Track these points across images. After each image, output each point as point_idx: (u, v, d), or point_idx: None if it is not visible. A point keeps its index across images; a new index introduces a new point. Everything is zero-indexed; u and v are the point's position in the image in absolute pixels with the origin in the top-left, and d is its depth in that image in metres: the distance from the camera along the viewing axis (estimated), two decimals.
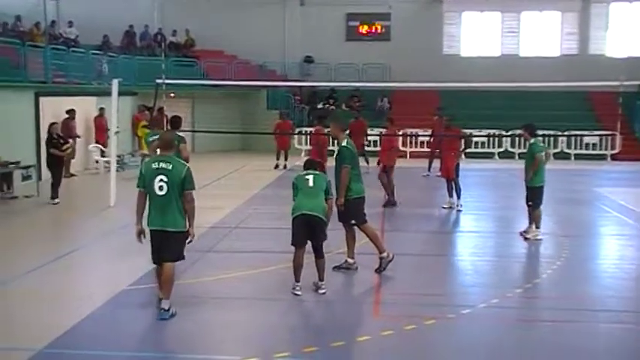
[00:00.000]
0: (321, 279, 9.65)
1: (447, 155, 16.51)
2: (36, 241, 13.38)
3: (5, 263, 11.26)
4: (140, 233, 8.58)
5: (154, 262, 8.62)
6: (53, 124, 17.55)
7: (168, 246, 8.42)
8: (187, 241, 8.60)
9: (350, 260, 10.76)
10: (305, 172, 9.91)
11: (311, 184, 9.61)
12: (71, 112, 21.88)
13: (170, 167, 8.38)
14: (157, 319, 8.42)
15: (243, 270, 10.75)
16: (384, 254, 10.61)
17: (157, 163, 8.46)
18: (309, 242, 9.60)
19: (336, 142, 10.97)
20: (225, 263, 11.31)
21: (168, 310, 8.47)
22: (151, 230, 8.51)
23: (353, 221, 10.60)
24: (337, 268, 10.57)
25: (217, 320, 8.72)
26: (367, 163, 22.55)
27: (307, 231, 9.49)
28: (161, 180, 8.33)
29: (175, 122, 13.11)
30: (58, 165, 17.07)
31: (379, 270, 10.56)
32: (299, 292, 9.49)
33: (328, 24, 33.79)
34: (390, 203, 16.60)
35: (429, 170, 21.92)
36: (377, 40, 33.96)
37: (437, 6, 34.01)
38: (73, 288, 10.15)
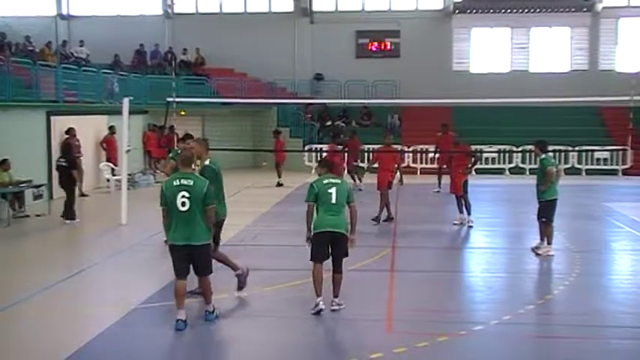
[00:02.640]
0: (336, 295, 9.62)
1: (456, 172, 16.51)
2: (48, 259, 13.42)
3: (18, 281, 11.30)
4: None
5: (178, 275, 8.79)
6: (68, 142, 17.50)
7: (199, 260, 8.81)
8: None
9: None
10: (325, 179, 9.70)
11: (334, 200, 9.51)
12: (71, 131, 21.65)
13: (192, 183, 8.68)
14: (204, 320, 8.96)
15: (254, 288, 10.72)
16: (239, 271, 10.44)
17: (177, 180, 8.74)
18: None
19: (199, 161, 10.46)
20: (236, 281, 11.28)
21: (213, 312, 9.09)
22: (175, 245, 8.73)
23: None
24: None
25: (228, 338, 8.74)
26: (359, 181, 22.72)
27: (329, 247, 9.53)
28: (183, 196, 8.61)
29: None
30: (74, 185, 17.20)
31: (240, 287, 10.42)
32: (322, 307, 9.44)
33: (338, 41, 33.93)
34: (389, 218, 16.66)
35: (439, 187, 21.87)
36: (387, 57, 34.07)
37: (446, 22, 34.11)
38: (85, 306, 10.16)
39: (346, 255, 9.64)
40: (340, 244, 9.51)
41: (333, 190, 9.54)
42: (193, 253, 8.74)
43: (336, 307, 9.58)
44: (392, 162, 16.90)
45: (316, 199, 9.57)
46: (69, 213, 16.87)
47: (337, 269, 9.59)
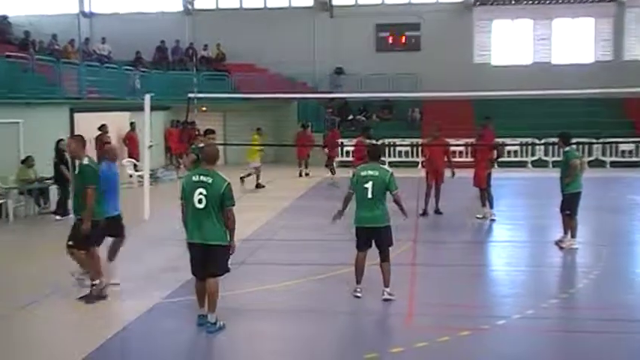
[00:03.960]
0: (386, 285, 9.70)
1: (480, 165, 16.43)
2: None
3: (42, 277, 11.41)
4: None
5: (195, 275, 8.62)
6: (61, 140, 17.21)
7: (212, 260, 8.44)
8: (229, 253, 8.65)
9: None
10: (364, 170, 9.73)
11: (369, 195, 9.54)
12: (103, 127, 22.09)
13: (210, 181, 8.37)
14: (205, 332, 8.45)
15: (275, 282, 10.75)
16: (97, 282, 9.90)
17: (197, 176, 8.47)
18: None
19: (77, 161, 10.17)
20: (258, 276, 11.32)
21: (215, 323, 8.52)
22: (190, 244, 8.53)
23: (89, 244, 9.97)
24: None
25: (249, 333, 8.73)
26: (333, 173, 22.83)
27: (370, 239, 9.68)
28: (200, 193, 8.33)
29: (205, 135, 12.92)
30: (67, 182, 16.72)
31: (88, 298, 9.79)
32: (359, 294, 9.61)
33: (358, 35, 33.81)
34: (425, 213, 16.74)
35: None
36: (407, 50, 33.87)
37: (467, 15, 33.88)
38: (108, 301, 10.22)
39: (390, 244, 9.77)
40: (382, 235, 9.66)
41: (369, 185, 9.56)
42: (208, 253, 8.42)
43: (387, 297, 9.66)
44: (442, 155, 17.01)
45: (357, 200, 9.70)
46: (60, 209, 16.88)
47: (383, 258, 9.74)
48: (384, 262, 9.73)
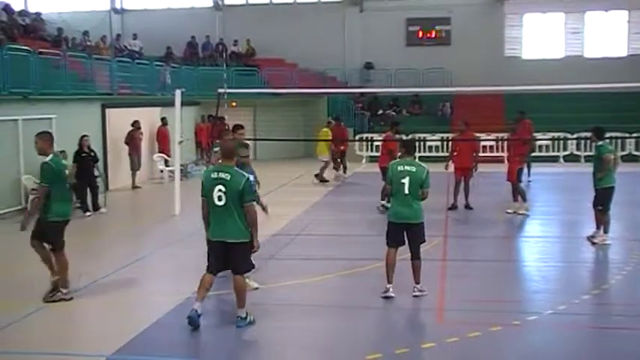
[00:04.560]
0: (417, 281, 9.67)
1: (513, 160, 16.35)
2: (103, 250, 13.69)
3: (74, 272, 11.54)
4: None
5: (208, 270, 8.49)
6: (84, 136, 17.30)
7: (235, 258, 8.35)
8: (252, 251, 8.56)
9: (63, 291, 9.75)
10: (401, 165, 9.67)
11: (406, 191, 9.51)
12: (136, 123, 22.32)
13: (229, 177, 8.26)
14: (236, 327, 8.42)
15: (305, 277, 10.78)
16: (65, 290, 9.74)
17: (216, 173, 8.36)
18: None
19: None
20: (288, 271, 11.36)
21: (245, 318, 8.48)
22: (212, 241, 8.46)
23: (51, 246, 9.85)
24: None
25: (280, 327, 8.74)
26: (345, 170, 22.80)
27: (403, 235, 9.62)
28: (219, 190, 8.23)
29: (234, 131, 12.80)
30: (82, 179, 16.76)
31: (47, 297, 9.61)
32: (392, 294, 9.53)
33: (388, 30, 33.70)
34: (453, 206, 16.77)
35: (528, 175, 20.61)
36: (437, 44, 33.72)
37: (498, 8, 33.60)
38: (139, 295, 10.33)
39: (423, 241, 9.74)
40: (415, 232, 9.62)
41: (406, 181, 9.52)
42: (228, 250, 8.32)
43: (418, 294, 9.63)
44: (470, 150, 16.91)
45: (394, 193, 9.65)
46: (85, 205, 17.11)
47: (415, 256, 9.68)
48: (415, 259, 9.67)
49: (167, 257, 12.82)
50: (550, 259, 12.49)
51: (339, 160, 22.90)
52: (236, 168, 8.52)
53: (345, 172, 23.03)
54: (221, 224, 8.30)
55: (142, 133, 22.67)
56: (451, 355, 7.76)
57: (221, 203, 8.25)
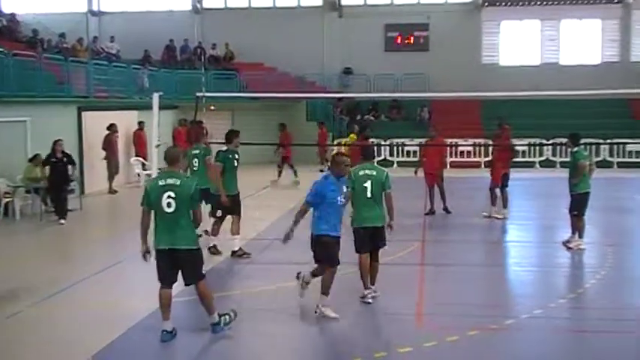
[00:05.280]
0: (372, 283, 9.74)
1: (496, 165, 16.49)
2: (78, 255, 13.62)
3: (48, 277, 11.44)
4: (145, 253, 8.22)
5: (162, 283, 8.22)
6: (58, 141, 16.95)
7: (185, 266, 8.13)
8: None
9: None
10: (362, 169, 9.74)
11: (369, 194, 9.58)
12: (112, 127, 22.16)
13: (178, 183, 8.06)
14: (212, 333, 8.30)
15: (283, 282, 10.75)
16: None
17: (163, 180, 8.13)
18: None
19: None
20: (266, 275, 11.36)
21: (219, 322, 8.33)
22: (159, 250, 8.15)
23: None
24: None
25: (258, 332, 8.71)
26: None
27: (371, 239, 9.66)
28: (169, 197, 8.00)
29: (229, 137, 12.65)
30: (52, 186, 16.67)
31: None
32: (370, 301, 9.58)
33: (367, 35, 33.81)
34: (431, 211, 16.73)
35: None
36: (416, 50, 33.88)
37: (476, 15, 33.86)
38: (116, 300, 10.25)
39: (385, 244, 9.80)
40: (380, 235, 9.69)
41: (368, 184, 9.60)
42: (179, 259, 8.07)
43: (375, 295, 9.67)
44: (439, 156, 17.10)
45: (356, 198, 9.68)
46: (59, 212, 16.67)
47: (375, 258, 9.75)
48: (375, 261, 9.76)
49: (142, 263, 12.68)
50: (527, 263, 12.59)
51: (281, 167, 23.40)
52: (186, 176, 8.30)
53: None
54: (169, 231, 8.06)
55: (117, 136, 22.50)
56: (429, 359, 7.79)
57: (170, 210, 8.01)
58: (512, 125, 17.68)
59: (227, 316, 8.46)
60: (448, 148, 26.37)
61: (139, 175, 23.55)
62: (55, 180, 16.58)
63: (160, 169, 17.69)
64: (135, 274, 12.01)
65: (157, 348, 8.16)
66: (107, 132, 22.00)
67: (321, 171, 24.72)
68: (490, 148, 21.34)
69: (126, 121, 23.82)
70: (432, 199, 16.83)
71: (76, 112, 21.08)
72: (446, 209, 16.81)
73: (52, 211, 17.08)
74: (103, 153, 21.82)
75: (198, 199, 8.34)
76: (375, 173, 9.69)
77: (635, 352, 8.11)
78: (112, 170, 21.97)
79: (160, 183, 8.13)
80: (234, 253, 12.34)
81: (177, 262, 8.10)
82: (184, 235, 8.06)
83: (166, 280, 8.19)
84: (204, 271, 8.42)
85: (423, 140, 23.30)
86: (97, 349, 7.90)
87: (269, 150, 29.84)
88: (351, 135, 22.89)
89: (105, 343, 8.10)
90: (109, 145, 21.92)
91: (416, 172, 17.23)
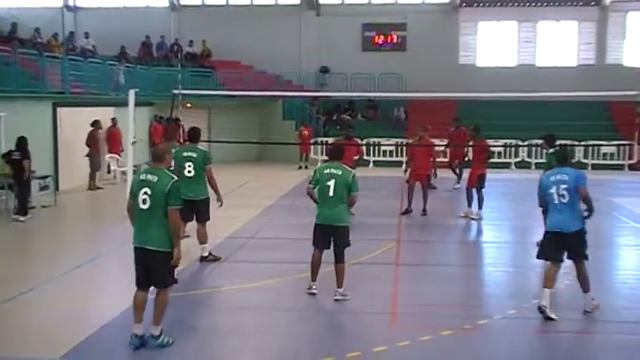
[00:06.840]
0: (339, 285, 9.69)
1: (473, 165, 16.56)
2: (53, 251, 13.45)
3: (23, 273, 11.32)
4: None
5: (137, 285, 7.93)
6: (22, 137, 16.53)
7: (152, 268, 7.77)
8: (172, 262, 7.79)
9: None
10: (327, 168, 9.81)
11: (331, 193, 9.59)
12: (97, 123, 22.09)
13: (155, 180, 7.74)
14: (146, 345, 7.84)
15: (258, 280, 10.74)
16: None
17: (144, 175, 7.89)
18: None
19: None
20: (240, 274, 11.31)
21: (158, 337, 7.86)
22: (134, 248, 7.91)
23: None
24: None
25: (229, 330, 8.68)
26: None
27: (328, 238, 9.66)
28: (145, 193, 7.73)
29: (193, 135, 12.22)
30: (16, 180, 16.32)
31: None
32: (315, 291, 9.70)
33: (344, 34, 33.85)
34: (407, 211, 16.70)
35: (458, 182, 21.17)
36: (393, 50, 34.00)
37: (453, 16, 34.00)
38: (90, 298, 10.18)
39: (347, 245, 9.74)
40: (340, 235, 9.64)
41: (331, 183, 9.62)
42: (148, 259, 7.76)
43: (340, 298, 9.65)
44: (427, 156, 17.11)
45: (319, 196, 9.68)
46: (19, 209, 16.30)
47: (339, 259, 9.69)
48: (339, 263, 9.69)
49: (118, 259, 12.62)
50: (501, 263, 12.67)
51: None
52: (165, 170, 8.01)
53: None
54: (142, 229, 7.80)
55: (101, 132, 22.41)
56: (403, 358, 7.80)
57: (145, 207, 7.74)
58: (487, 126, 17.80)
59: (167, 338, 7.92)
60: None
61: (114, 171, 23.36)
62: (14, 176, 16.37)
63: (135, 165, 17.65)
64: (109, 272, 11.94)
65: (128, 348, 8.07)
66: (91, 128, 21.86)
67: (300, 168, 24.83)
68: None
69: (102, 117, 23.57)
70: (411, 198, 16.81)
71: (51, 108, 20.85)
72: (424, 211, 16.75)
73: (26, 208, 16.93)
74: (85, 149, 21.64)
75: (175, 200, 7.75)
76: (340, 173, 9.70)
77: (604, 352, 8.17)
78: (95, 166, 21.82)
79: (141, 177, 7.90)
80: (203, 258, 12.05)
81: (147, 262, 7.81)
82: (155, 236, 7.73)
83: (140, 282, 7.93)
84: (176, 277, 8.18)
85: (400, 140, 23.51)
86: (67, 350, 7.80)
87: (245, 148, 29.84)
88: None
89: (75, 343, 8.00)
90: (92, 141, 21.77)
91: (405, 172, 17.19)
